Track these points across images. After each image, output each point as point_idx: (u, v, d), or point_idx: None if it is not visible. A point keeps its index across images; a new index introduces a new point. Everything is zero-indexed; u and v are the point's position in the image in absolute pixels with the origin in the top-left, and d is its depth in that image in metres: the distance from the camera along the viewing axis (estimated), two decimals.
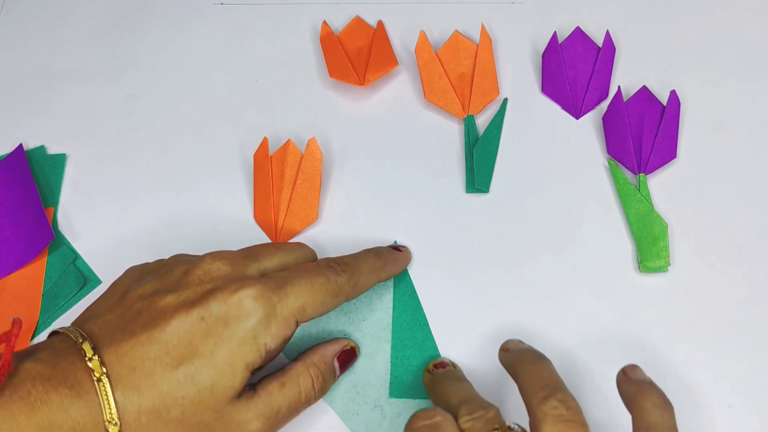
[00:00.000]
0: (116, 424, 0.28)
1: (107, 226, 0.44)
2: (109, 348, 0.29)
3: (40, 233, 0.42)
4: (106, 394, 0.28)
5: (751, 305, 0.39)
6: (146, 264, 0.35)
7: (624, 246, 0.41)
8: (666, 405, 0.30)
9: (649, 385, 0.31)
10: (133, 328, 0.29)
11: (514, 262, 0.41)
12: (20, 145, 0.46)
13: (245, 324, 0.30)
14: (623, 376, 0.32)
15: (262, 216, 0.43)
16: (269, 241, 0.42)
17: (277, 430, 0.33)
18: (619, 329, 0.39)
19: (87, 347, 0.29)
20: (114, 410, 0.28)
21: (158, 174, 0.45)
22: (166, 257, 0.35)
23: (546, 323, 0.39)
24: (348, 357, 0.37)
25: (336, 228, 0.43)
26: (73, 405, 0.27)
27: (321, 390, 0.35)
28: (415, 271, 0.41)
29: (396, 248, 0.40)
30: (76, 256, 0.42)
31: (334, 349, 0.37)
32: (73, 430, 0.27)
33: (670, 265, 0.40)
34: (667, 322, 0.39)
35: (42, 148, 0.47)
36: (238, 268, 0.32)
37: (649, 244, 0.41)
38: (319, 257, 0.41)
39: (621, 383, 0.32)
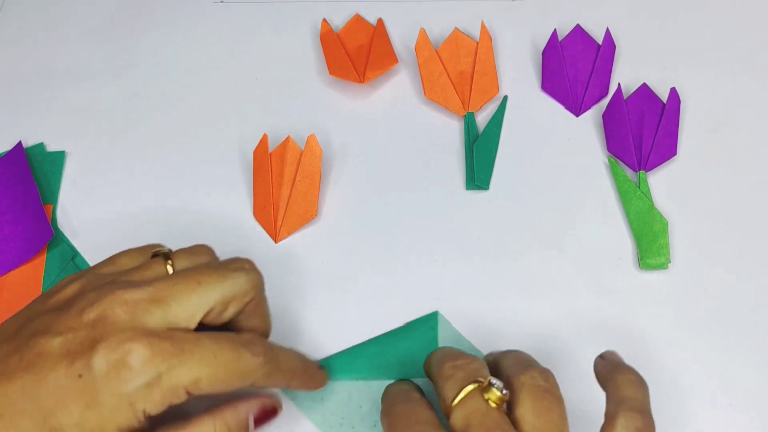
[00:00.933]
0: None
1: (106, 224, 0.44)
2: None
3: (39, 231, 0.42)
4: None
5: (752, 302, 0.39)
6: (57, 290, 0.32)
7: (624, 243, 0.41)
8: (641, 382, 0.30)
9: (626, 365, 0.31)
10: (12, 371, 0.28)
11: (514, 258, 0.41)
12: (19, 143, 0.45)
13: (123, 389, 0.27)
14: (600, 360, 0.32)
15: (262, 213, 0.43)
16: (267, 237, 0.42)
17: None
18: (619, 326, 0.39)
19: None
20: None
21: (158, 171, 0.45)
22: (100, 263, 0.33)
23: (546, 320, 0.39)
24: (266, 415, 0.33)
25: (335, 225, 0.43)
26: None
27: None
28: (414, 269, 0.41)
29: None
30: (75, 254, 0.42)
31: (250, 405, 0.33)
32: None
33: (670, 262, 0.40)
34: (667, 320, 0.39)
35: (41, 145, 0.47)
36: (139, 316, 0.29)
37: (650, 242, 0.40)
38: (318, 256, 0.41)
39: (597, 365, 0.32)
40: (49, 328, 0.29)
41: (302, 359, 0.34)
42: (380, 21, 0.50)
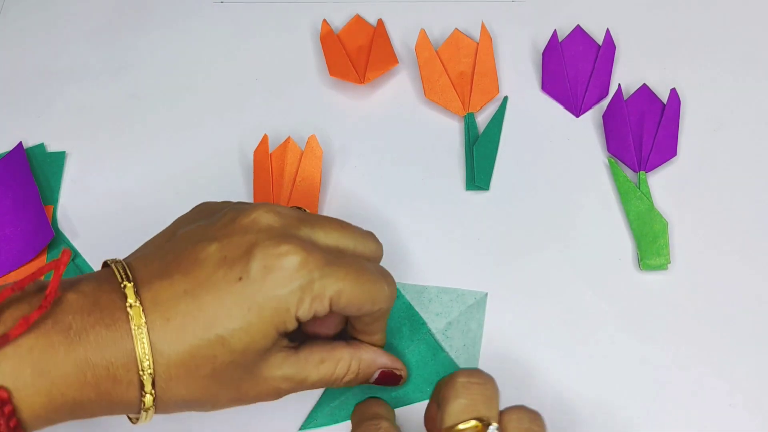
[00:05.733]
0: (150, 373, 0.28)
1: (106, 224, 0.44)
2: (149, 291, 0.28)
3: (39, 231, 0.42)
4: (142, 343, 0.28)
5: (752, 303, 0.39)
6: (209, 204, 0.34)
7: (624, 244, 0.41)
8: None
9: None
10: (173, 273, 0.29)
11: (514, 259, 0.41)
12: (20, 144, 0.45)
13: (280, 292, 0.29)
14: None
15: None
16: None
17: (296, 391, 0.32)
18: (619, 327, 0.39)
19: (130, 291, 0.28)
20: (149, 359, 0.28)
21: (158, 171, 0.45)
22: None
23: (546, 321, 0.39)
24: (391, 378, 0.35)
25: None
26: (109, 347, 0.27)
27: (348, 383, 0.34)
28: (415, 269, 0.41)
29: None
30: (75, 254, 0.42)
31: (384, 361, 0.35)
32: (107, 370, 0.27)
33: (670, 262, 0.40)
34: (667, 320, 0.39)
35: (41, 146, 0.46)
36: (289, 226, 0.30)
37: (650, 242, 0.40)
38: None
39: None
40: (203, 234, 0.30)
41: None
42: (380, 21, 0.50)
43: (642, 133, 0.44)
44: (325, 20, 0.50)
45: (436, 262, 0.41)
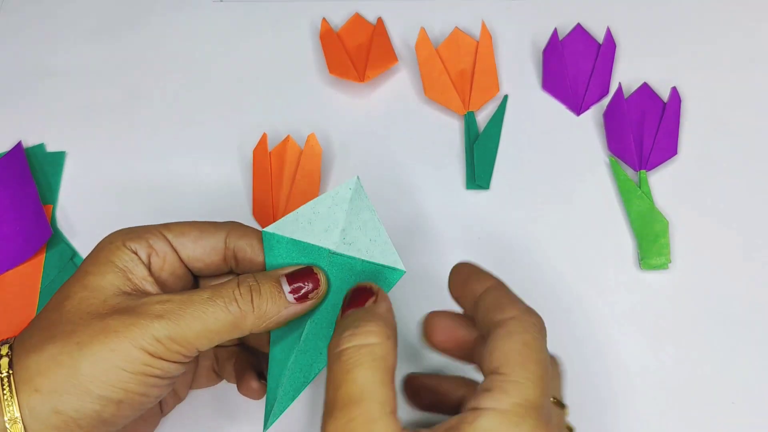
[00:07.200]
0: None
1: (105, 224, 0.43)
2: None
3: (38, 230, 0.42)
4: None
5: (752, 302, 0.39)
6: None
7: (625, 243, 0.41)
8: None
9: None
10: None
11: (514, 258, 0.41)
12: (20, 143, 0.46)
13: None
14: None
15: (261, 212, 0.43)
16: None
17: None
18: (619, 326, 0.39)
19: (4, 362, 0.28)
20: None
21: (157, 171, 0.45)
22: None
23: (546, 320, 0.39)
24: (304, 278, 0.31)
25: None
26: None
27: (259, 312, 0.29)
28: (414, 268, 0.41)
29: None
30: (74, 253, 0.42)
31: (283, 269, 0.31)
32: None
33: (671, 262, 0.40)
34: (668, 319, 0.39)
35: (41, 145, 0.47)
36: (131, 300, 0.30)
37: (650, 241, 0.40)
38: None
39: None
40: None
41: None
42: (380, 20, 0.50)
43: (642, 132, 0.44)
44: (324, 19, 0.50)
45: (435, 262, 0.41)
